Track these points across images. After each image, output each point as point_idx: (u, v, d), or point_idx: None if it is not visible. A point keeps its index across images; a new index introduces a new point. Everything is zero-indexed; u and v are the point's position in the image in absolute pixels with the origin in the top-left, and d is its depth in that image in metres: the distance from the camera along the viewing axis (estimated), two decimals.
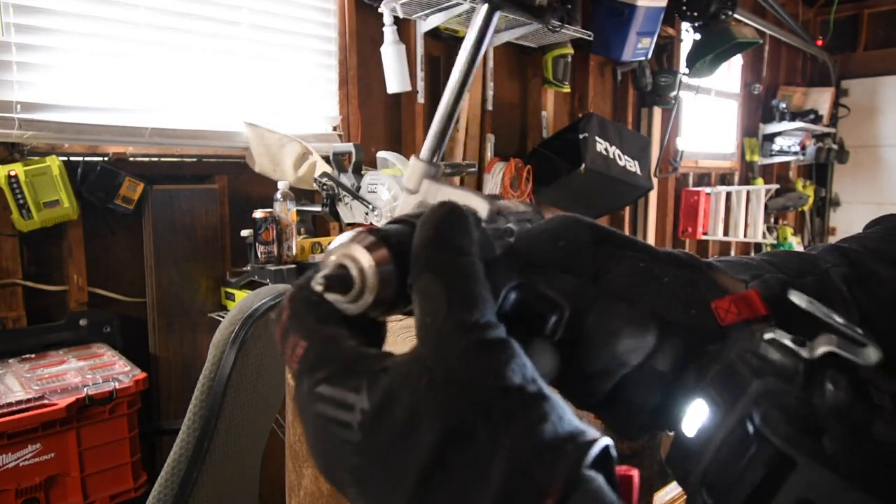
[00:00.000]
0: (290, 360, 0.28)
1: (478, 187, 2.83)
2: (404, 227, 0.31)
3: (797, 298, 0.33)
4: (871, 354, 0.29)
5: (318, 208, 2.00)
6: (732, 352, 0.32)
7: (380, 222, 1.73)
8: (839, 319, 0.31)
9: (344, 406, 0.25)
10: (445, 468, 0.23)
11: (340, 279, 0.29)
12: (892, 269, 0.43)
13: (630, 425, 0.35)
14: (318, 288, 0.28)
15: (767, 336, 0.31)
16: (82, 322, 1.75)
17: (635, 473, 0.28)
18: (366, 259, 0.29)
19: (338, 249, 0.30)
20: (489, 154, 2.85)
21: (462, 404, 0.24)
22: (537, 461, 0.23)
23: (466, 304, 0.26)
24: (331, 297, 0.29)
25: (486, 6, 0.41)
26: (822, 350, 0.29)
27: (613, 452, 0.26)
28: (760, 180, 4.87)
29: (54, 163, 1.65)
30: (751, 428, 0.28)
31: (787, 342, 0.30)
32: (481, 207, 0.34)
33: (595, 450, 0.24)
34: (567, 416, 0.25)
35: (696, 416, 0.32)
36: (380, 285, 0.28)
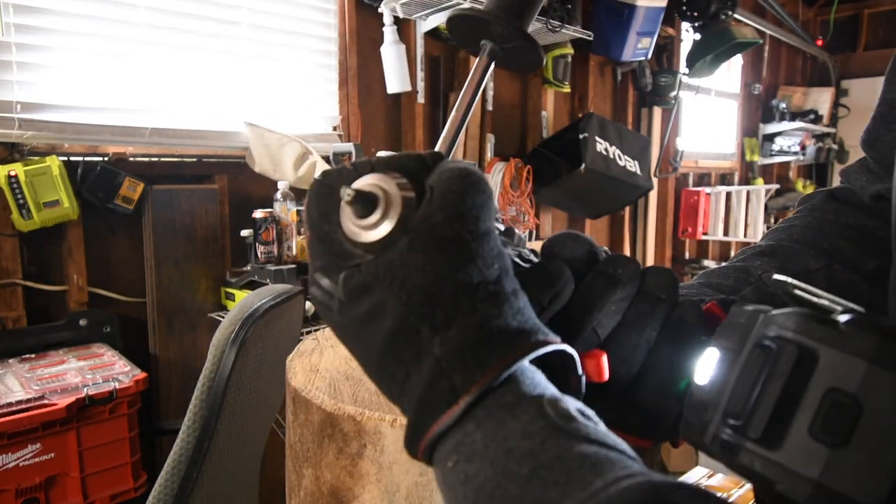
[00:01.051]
0: (305, 241, 0.35)
1: None
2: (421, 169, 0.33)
3: (783, 278, 0.34)
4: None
5: None
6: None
7: None
8: (826, 296, 0.32)
9: (328, 293, 0.32)
10: (395, 352, 0.29)
11: (368, 198, 0.30)
12: (819, 259, 0.46)
13: (660, 412, 0.36)
14: (346, 198, 0.30)
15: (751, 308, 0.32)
16: (82, 322, 1.75)
17: (602, 356, 0.31)
18: (395, 192, 0.30)
19: (370, 179, 0.31)
20: (489, 154, 2.85)
21: (413, 305, 0.29)
22: (465, 356, 0.27)
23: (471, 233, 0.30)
24: (348, 215, 0.31)
25: (488, 51, 0.45)
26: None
27: (575, 356, 0.30)
28: (760, 180, 4.87)
29: (54, 163, 1.65)
30: (767, 342, 0.28)
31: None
32: None
33: (538, 352, 0.28)
34: (525, 314, 0.29)
35: (706, 366, 0.31)
36: (401, 218, 0.30)
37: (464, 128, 0.41)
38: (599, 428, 0.26)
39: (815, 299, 0.30)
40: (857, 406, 0.25)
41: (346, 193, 0.30)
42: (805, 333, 0.27)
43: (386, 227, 0.30)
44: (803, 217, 0.52)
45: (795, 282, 0.32)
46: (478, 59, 0.45)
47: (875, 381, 0.25)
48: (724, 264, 0.50)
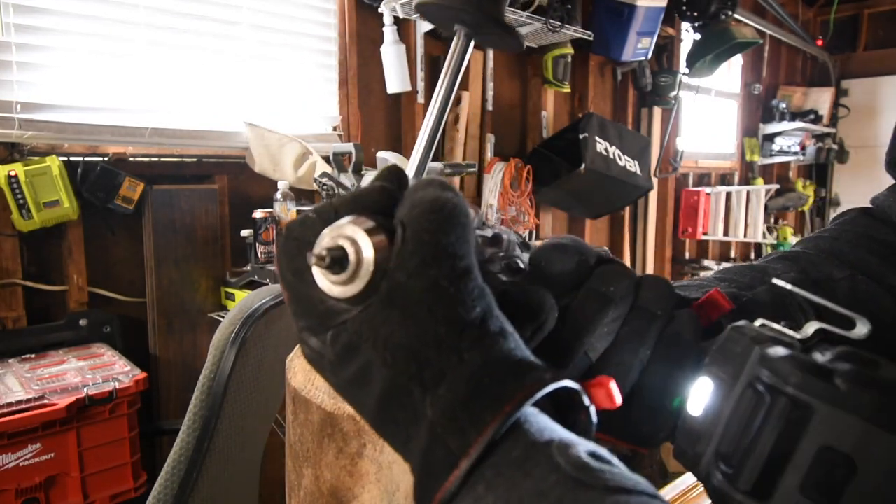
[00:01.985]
0: (284, 298, 0.32)
1: (478, 187, 2.83)
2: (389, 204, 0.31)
3: (781, 283, 0.34)
4: (861, 329, 0.29)
5: None
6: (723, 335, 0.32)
7: None
8: (823, 301, 0.31)
9: (318, 353, 0.30)
10: (391, 414, 0.28)
11: (338, 260, 0.28)
12: (843, 269, 0.45)
13: (653, 427, 0.35)
14: (312, 261, 0.28)
15: (757, 323, 0.31)
16: (82, 322, 1.75)
17: (609, 382, 0.29)
18: (364, 240, 0.28)
19: (337, 228, 0.29)
20: (489, 154, 2.85)
21: (399, 365, 0.27)
22: (458, 416, 0.26)
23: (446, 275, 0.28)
24: (322, 272, 0.29)
25: (463, 34, 0.42)
26: (812, 327, 0.30)
27: (579, 390, 0.28)
28: (760, 180, 4.87)
29: (54, 163, 1.65)
30: (760, 387, 0.27)
31: (777, 326, 0.31)
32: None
33: (536, 396, 0.26)
34: (517, 353, 0.28)
35: (700, 396, 0.31)
36: (376, 268, 0.28)
37: (443, 122, 0.39)
38: (615, 471, 0.25)
39: (828, 304, 0.29)
40: (851, 466, 0.24)
41: (312, 258, 0.28)
42: (801, 388, 0.26)
43: (361, 281, 0.28)
44: (833, 229, 0.51)
45: (795, 289, 0.31)
46: (453, 43, 0.42)
47: (871, 441, 0.24)
48: (743, 263, 0.49)
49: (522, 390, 0.26)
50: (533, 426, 0.26)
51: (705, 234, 4.22)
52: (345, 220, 0.29)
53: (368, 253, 0.28)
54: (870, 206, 0.54)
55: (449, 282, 0.27)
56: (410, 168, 0.38)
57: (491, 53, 2.81)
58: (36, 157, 1.67)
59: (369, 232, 0.28)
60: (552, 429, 0.26)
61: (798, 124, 4.84)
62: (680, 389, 0.35)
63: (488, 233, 0.35)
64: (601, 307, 0.35)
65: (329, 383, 0.31)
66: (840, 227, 0.51)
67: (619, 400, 0.29)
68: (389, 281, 0.27)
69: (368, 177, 1.84)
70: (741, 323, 0.32)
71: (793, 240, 5.17)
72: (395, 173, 0.32)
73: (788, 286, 0.32)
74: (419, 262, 0.27)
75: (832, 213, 5.76)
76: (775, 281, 0.34)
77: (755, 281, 0.44)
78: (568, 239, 0.38)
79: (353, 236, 0.28)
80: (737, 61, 4.63)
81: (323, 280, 0.29)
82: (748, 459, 0.27)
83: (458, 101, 2.66)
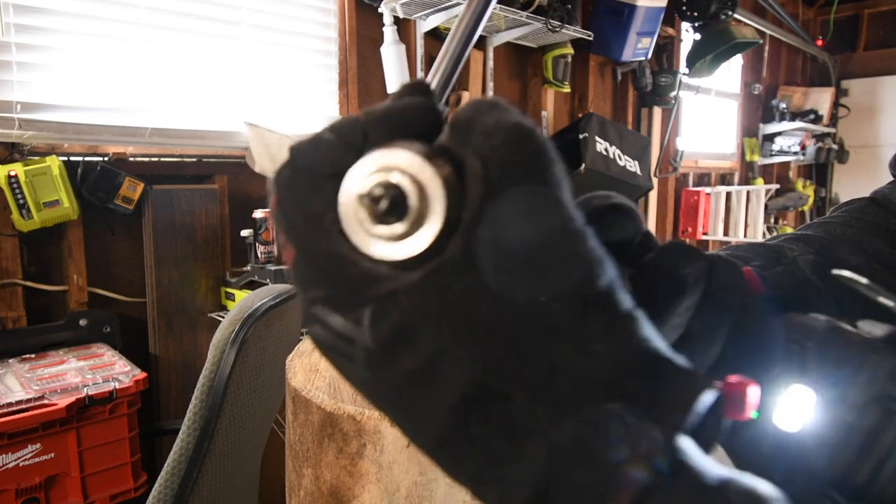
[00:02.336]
0: (283, 256, 0.23)
1: None
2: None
3: (849, 274, 0.29)
4: None
5: None
6: (812, 336, 0.27)
7: None
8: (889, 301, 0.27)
9: (343, 337, 0.21)
10: (470, 432, 0.19)
11: (395, 205, 0.20)
12: (859, 255, 0.41)
13: (712, 435, 0.29)
14: (364, 202, 0.20)
15: (822, 317, 0.27)
16: (82, 322, 1.75)
17: (748, 386, 0.22)
18: (435, 184, 0.20)
19: (384, 157, 0.21)
20: None
21: (493, 359, 0.19)
22: (589, 443, 0.18)
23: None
24: (359, 217, 0.21)
25: None
26: (880, 329, 0.26)
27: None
28: (760, 180, 4.87)
29: (54, 163, 1.65)
30: (892, 405, 0.23)
31: (847, 326, 0.27)
32: None
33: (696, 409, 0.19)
34: (657, 343, 0.20)
35: (795, 407, 0.26)
36: (444, 226, 0.20)
37: (469, 49, 0.30)
38: None
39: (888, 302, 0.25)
40: None
41: (366, 194, 0.20)
42: None
43: (426, 236, 0.20)
44: (842, 216, 0.47)
45: (865, 280, 0.27)
46: None
47: None
48: (755, 242, 0.44)
49: (679, 404, 0.19)
50: (688, 455, 0.18)
51: (705, 233, 4.22)
52: (399, 146, 0.21)
53: (437, 195, 0.20)
54: (875, 195, 0.51)
55: (563, 237, 0.20)
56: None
57: (491, 53, 2.81)
58: (36, 157, 1.67)
59: (432, 163, 0.20)
60: (705, 457, 0.19)
61: (798, 124, 4.84)
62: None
63: None
64: (675, 293, 0.28)
65: (355, 383, 0.22)
66: (849, 214, 0.47)
67: (753, 412, 0.22)
68: (468, 236, 0.20)
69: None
70: (820, 318, 0.27)
71: None
72: (422, 88, 0.24)
73: (860, 279, 0.28)
74: (517, 210, 0.20)
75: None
76: (839, 272, 0.29)
77: (769, 261, 0.39)
78: (621, 198, 0.31)
79: (413, 170, 0.20)
80: (737, 61, 4.63)
81: (362, 232, 0.21)
82: (873, 486, 0.23)
83: (457, 100, 2.66)
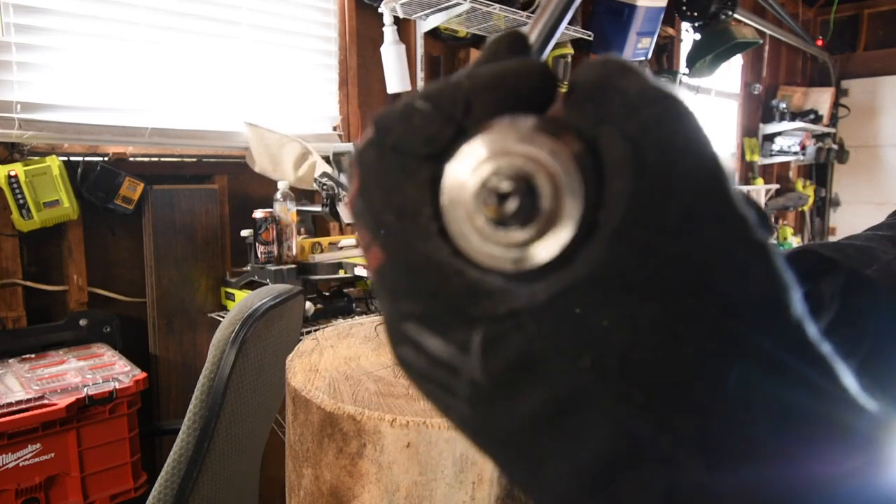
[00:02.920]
0: (365, 260, 0.18)
1: None
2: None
3: None
4: None
5: (318, 208, 2.00)
6: None
7: None
8: None
9: (442, 364, 0.17)
10: (617, 499, 0.15)
11: (524, 197, 0.16)
12: None
13: None
14: (480, 205, 0.16)
15: None
16: (82, 322, 1.75)
17: None
18: (572, 176, 0.15)
19: (505, 138, 0.16)
20: None
21: (657, 404, 0.14)
22: None
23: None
24: (469, 213, 0.16)
25: None
26: None
27: None
28: (760, 180, 4.87)
29: (54, 163, 1.65)
30: None
31: None
32: None
33: None
34: (855, 393, 0.15)
35: None
36: (579, 230, 0.16)
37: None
38: None
39: None
40: None
41: (485, 188, 0.16)
42: None
43: (559, 240, 0.16)
44: None
45: None
46: None
47: None
48: (838, 240, 0.38)
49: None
50: None
51: None
52: (517, 123, 0.16)
53: (574, 191, 0.16)
54: None
55: (743, 248, 0.15)
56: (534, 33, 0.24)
57: None
58: (36, 157, 1.67)
59: (570, 149, 0.16)
60: None
61: (798, 124, 4.84)
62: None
63: None
64: (812, 309, 0.25)
65: (456, 421, 0.17)
66: None
67: None
68: (614, 245, 0.15)
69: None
70: None
71: (793, 240, 5.17)
72: (522, 44, 0.19)
73: None
74: (684, 212, 0.15)
75: (832, 213, 5.76)
76: None
77: (863, 265, 0.34)
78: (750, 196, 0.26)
79: (543, 158, 0.16)
80: (736, 61, 4.63)
81: (473, 235, 0.16)
82: None
83: None
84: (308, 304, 1.78)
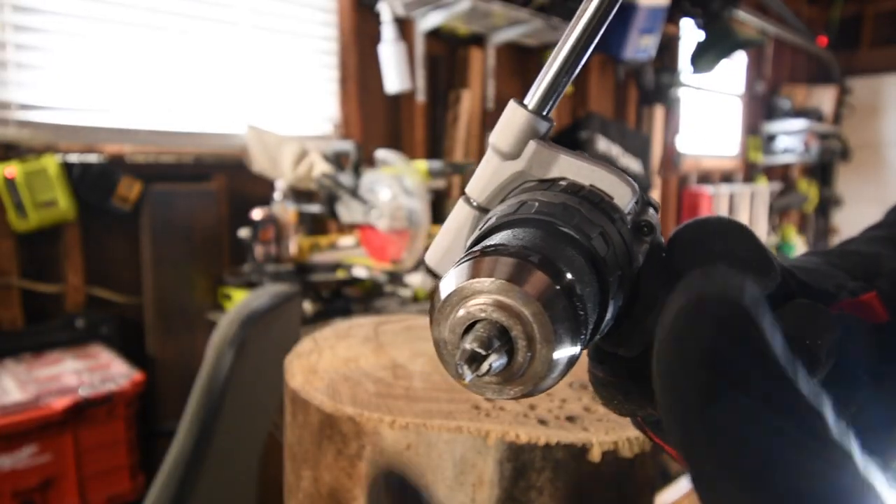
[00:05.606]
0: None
1: None
2: (540, 238, 0.20)
3: None
4: None
5: (317, 208, 1.99)
6: None
7: (380, 221, 1.72)
8: None
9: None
10: None
11: (479, 350, 0.19)
12: None
13: None
14: (467, 377, 0.19)
15: None
16: (79, 323, 1.74)
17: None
18: (520, 297, 0.18)
19: (453, 299, 0.19)
20: None
21: None
22: None
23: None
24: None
25: None
26: None
27: None
28: (763, 179, 4.86)
29: (51, 162, 1.63)
30: None
31: None
32: (625, 194, 0.24)
33: None
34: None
35: None
36: (557, 341, 0.19)
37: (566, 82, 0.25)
38: None
39: None
40: None
41: (463, 367, 0.19)
42: None
43: (535, 380, 0.20)
44: None
45: None
46: None
47: None
48: (840, 245, 0.38)
49: None
50: None
51: None
52: (458, 276, 0.20)
53: (532, 307, 0.19)
54: None
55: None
56: (535, 93, 0.25)
57: (492, 52, 2.80)
58: (33, 157, 1.65)
59: (516, 278, 0.19)
60: None
61: (801, 123, 4.82)
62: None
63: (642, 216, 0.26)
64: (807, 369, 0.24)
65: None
66: None
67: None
68: None
69: (368, 176, 1.82)
70: None
71: (796, 239, 5.16)
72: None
73: None
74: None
75: (835, 212, 5.74)
76: None
77: (869, 273, 0.33)
78: (728, 221, 0.26)
79: (484, 298, 0.20)
80: (740, 59, 4.62)
81: None
82: None
83: (457, 99, 2.64)
84: (307, 304, 1.77)
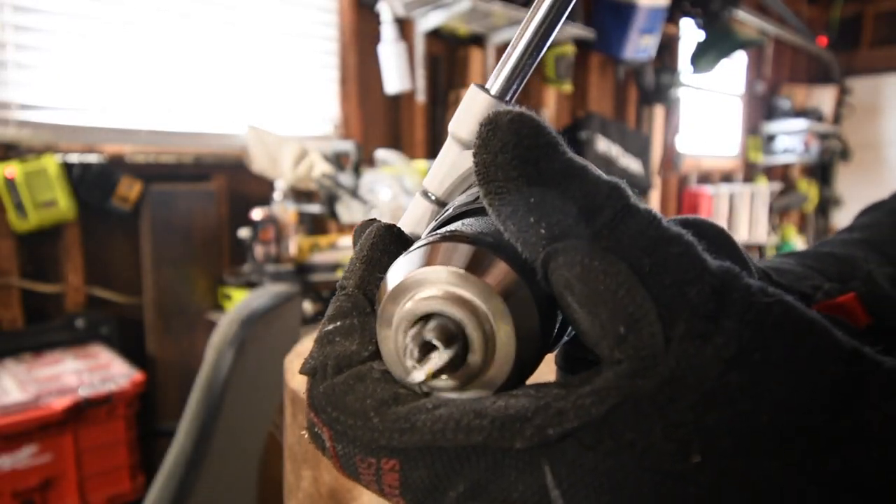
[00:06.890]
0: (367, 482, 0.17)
1: None
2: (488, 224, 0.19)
3: None
4: None
5: (317, 208, 1.99)
6: None
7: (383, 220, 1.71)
8: None
9: None
10: None
11: (435, 342, 0.16)
12: None
13: None
14: (417, 377, 0.16)
15: None
16: (79, 323, 1.74)
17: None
18: (477, 289, 0.16)
19: (400, 292, 0.17)
20: None
21: None
22: None
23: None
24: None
25: None
26: None
27: None
28: (763, 179, 4.86)
29: (51, 163, 1.63)
30: None
31: None
32: None
33: None
34: None
35: None
36: (519, 338, 0.16)
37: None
38: None
39: None
40: None
41: (412, 371, 0.18)
42: None
43: (499, 371, 0.17)
44: (885, 220, 0.40)
45: None
46: None
47: None
48: (814, 247, 0.38)
49: None
50: None
51: None
52: (409, 263, 0.18)
53: (488, 300, 0.17)
54: None
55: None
56: (496, 78, 0.24)
57: (492, 52, 2.79)
58: (33, 157, 1.65)
59: (473, 267, 0.17)
60: None
61: (801, 123, 4.82)
62: None
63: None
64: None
65: None
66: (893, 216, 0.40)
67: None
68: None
69: (368, 176, 1.82)
70: None
71: (796, 239, 5.16)
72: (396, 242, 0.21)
73: None
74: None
75: (835, 213, 5.74)
76: None
77: (845, 275, 0.33)
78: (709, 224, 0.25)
79: (439, 288, 0.18)
80: (740, 59, 4.62)
81: None
82: None
83: (457, 100, 2.64)
84: (307, 305, 1.77)
